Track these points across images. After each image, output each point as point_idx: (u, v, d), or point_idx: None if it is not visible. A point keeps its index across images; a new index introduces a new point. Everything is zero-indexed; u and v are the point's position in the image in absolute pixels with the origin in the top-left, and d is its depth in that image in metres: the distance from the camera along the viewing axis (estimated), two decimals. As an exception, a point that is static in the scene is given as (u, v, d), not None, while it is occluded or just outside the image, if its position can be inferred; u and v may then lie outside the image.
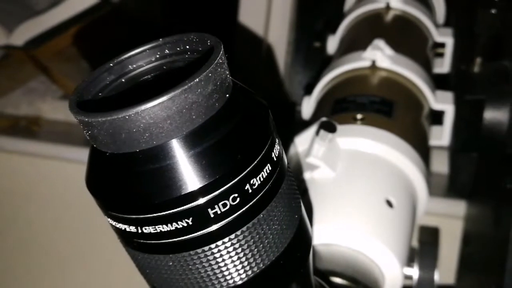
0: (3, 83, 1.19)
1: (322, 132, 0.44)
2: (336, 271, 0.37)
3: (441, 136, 0.59)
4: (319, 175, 0.44)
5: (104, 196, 0.20)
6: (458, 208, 0.77)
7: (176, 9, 1.06)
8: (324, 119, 0.46)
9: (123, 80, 0.23)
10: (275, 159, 0.22)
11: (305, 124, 0.50)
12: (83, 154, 1.03)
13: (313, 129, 0.45)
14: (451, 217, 0.75)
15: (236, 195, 0.20)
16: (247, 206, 0.20)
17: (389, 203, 0.43)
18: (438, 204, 0.78)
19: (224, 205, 0.20)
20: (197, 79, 0.19)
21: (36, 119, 1.16)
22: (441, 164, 0.82)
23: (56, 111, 1.18)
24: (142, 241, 0.21)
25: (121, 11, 1.04)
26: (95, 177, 0.21)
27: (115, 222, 0.21)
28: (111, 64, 0.23)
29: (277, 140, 0.22)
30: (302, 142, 0.46)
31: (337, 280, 0.37)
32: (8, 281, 1.14)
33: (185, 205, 0.19)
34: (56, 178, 1.05)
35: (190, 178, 0.19)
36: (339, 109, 0.52)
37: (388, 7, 0.66)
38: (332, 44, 0.71)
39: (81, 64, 1.14)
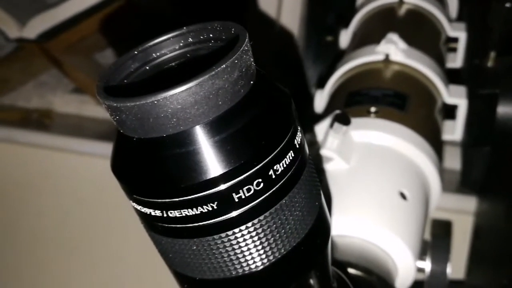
0: (15, 76, 1.20)
1: (336, 124, 0.45)
2: (350, 262, 0.38)
3: (453, 131, 0.59)
4: (333, 167, 0.44)
5: (130, 180, 0.21)
6: (469, 203, 0.77)
7: (187, 3, 1.07)
8: (338, 111, 0.46)
9: (147, 67, 0.23)
10: (297, 146, 0.22)
11: (317, 118, 0.50)
12: (94, 147, 1.04)
13: (327, 121, 0.46)
14: (462, 213, 0.75)
15: (260, 180, 0.20)
16: (270, 192, 0.21)
17: (403, 196, 0.43)
18: (449, 200, 0.78)
19: (248, 190, 0.20)
20: (224, 65, 0.19)
21: (48, 112, 1.16)
22: (452, 160, 0.82)
23: (67, 104, 1.18)
24: (167, 225, 0.21)
25: (132, 4, 1.04)
26: (121, 162, 0.21)
27: (140, 207, 0.21)
28: (135, 52, 0.23)
29: (299, 128, 0.23)
30: (321, 131, 0.46)
31: (352, 270, 0.37)
32: (19, 273, 1.15)
33: (210, 189, 0.20)
34: (67, 170, 1.05)
35: (216, 163, 0.19)
36: (352, 102, 0.52)
37: (401, 1, 0.66)
38: (345, 38, 0.71)
39: (92, 57, 1.14)
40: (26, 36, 1.04)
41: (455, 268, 0.60)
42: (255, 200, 0.20)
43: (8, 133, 1.08)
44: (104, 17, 0.99)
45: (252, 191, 0.20)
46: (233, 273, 0.22)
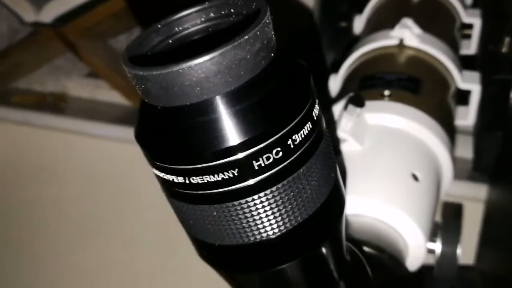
0: (30, 60, 1.21)
1: (350, 106, 0.45)
2: (363, 240, 0.38)
3: (466, 116, 0.59)
4: (347, 149, 0.45)
5: (154, 147, 0.22)
6: (480, 191, 0.77)
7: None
8: (352, 94, 0.47)
9: (170, 41, 0.24)
10: (315, 118, 0.23)
11: (333, 100, 0.51)
12: (108, 130, 1.05)
13: (341, 103, 0.46)
14: (473, 200, 0.76)
15: (279, 149, 0.21)
16: (288, 161, 0.22)
17: (415, 177, 0.44)
18: (460, 187, 0.78)
19: (268, 158, 0.21)
20: (247, 36, 0.20)
21: (63, 96, 1.18)
22: (464, 149, 0.82)
23: (81, 88, 1.20)
24: (189, 192, 0.22)
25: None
26: (146, 130, 0.22)
27: (163, 174, 0.22)
28: (159, 26, 0.24)
29: (317, 101, 0.23)
30: (338, 111, 0.46)
31: (364, 248, 0.38)
32: (33, 254, 1.17)
33: (232, 156, 0.20)
34: (81, 152, 1.07)
35: (237, 131, 0.20)
36: (366, 85, 0.52)
37: (416, -13, 0.66)
38: (359, 24, 0.72)
39: (108, 42, 1.15)
40: (42, 20, 1.05)
41: (465, 255, 0.61)
42: (274, 168, 0.21)
43: (23, 116, 1.09)
44: (120, 1, 1.00)
45: (271, 160, 0.21)
46: (251, 239, 0.23)
